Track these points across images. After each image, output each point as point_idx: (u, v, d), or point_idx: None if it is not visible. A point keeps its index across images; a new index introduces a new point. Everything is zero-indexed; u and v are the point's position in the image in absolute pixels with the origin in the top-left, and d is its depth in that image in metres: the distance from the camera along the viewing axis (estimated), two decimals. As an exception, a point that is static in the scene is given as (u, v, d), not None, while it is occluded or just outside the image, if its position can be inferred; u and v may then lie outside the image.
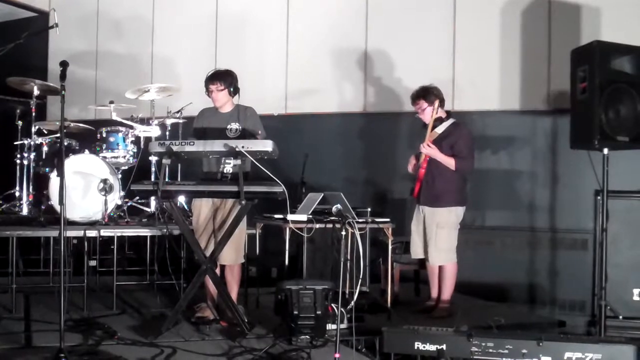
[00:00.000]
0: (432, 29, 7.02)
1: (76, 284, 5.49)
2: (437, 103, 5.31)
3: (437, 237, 5.32)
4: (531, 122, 6.66)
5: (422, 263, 5.62)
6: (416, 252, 5.51)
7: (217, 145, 4.50)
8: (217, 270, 4.91)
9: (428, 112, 5.38)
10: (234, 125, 5.05)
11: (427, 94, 5.39)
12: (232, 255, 5.04)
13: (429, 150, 5.28)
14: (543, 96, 6.59)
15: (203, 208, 5.06)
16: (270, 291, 5.16)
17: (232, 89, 5.10)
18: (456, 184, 5.36)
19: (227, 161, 4.56)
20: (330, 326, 4.53)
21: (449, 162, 5.28)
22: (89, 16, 8.23)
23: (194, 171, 6.19)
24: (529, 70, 6.66)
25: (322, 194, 5.28)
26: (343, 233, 4.33)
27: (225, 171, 4.60)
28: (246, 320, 4.68)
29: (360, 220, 5.05)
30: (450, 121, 5.43)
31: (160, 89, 6.71)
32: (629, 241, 5.54)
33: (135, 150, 6.47)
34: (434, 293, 5.52)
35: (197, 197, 5.06)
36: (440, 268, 5.42)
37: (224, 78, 5.07)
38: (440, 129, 5.38)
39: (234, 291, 5.08)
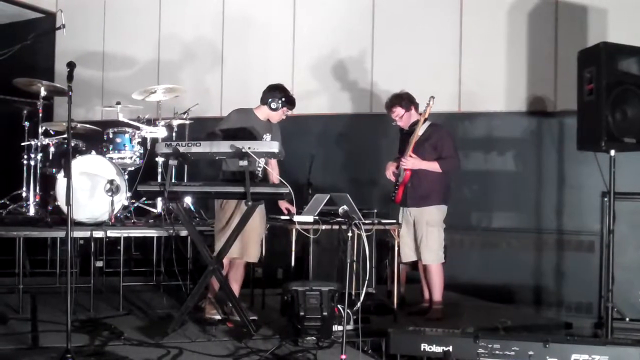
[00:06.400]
0: (439, 30, 7.02)
1: (83, 284, 5.49)
2: (431, 102, 5.29)
3: (428, 235, 5.33)
4: (538, 124, 6.65)
5: (414, 265, 5.63)
6: (407, 254, 5.49)
7: (224, 147, 4.50)
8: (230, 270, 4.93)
9: (406, 118, 5.43)
10: (268, 136, 5.17)
11: (401, 100, 5.46)
12: (255, 252, 5.13)
13: (411, 163, 5.30)
14: (550, 98, 6.58)
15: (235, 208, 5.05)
16: (276, 292, 5.17)
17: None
18: (442, 183, 5.39)
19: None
20: (336, 327, 4.52)
21: (434, 167, 5.31)
22: (96, 17, 8.26)
23: (200, 172, 6.22)
24: (536, 71, 6.65)
25: (329, 195, 5.28)
26: (349, 234, 4.34)
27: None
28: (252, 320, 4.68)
29: (366, 221, 5.06)
30: (428, 123, 5.44)
31: (167, 90, 6.72)
32: (635, 243, 5.54)
33: (141, 151, 6.48)
34: (428, 294, 5.53)
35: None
36: (427, 269, 5.42)
37: None
38: (420, 131, 5.39)
39: (236, 289, 5.08)
